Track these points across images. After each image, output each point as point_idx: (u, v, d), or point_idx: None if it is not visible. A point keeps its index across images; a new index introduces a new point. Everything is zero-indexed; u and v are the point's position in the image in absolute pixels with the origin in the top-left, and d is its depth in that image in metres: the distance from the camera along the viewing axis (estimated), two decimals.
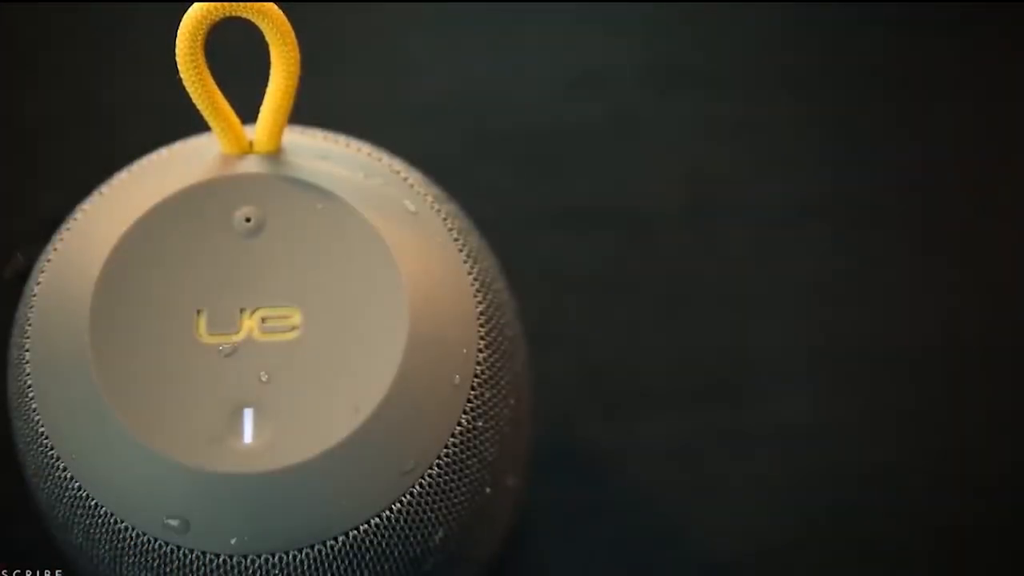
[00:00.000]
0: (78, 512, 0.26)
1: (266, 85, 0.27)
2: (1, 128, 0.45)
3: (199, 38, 0.26)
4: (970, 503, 0.40)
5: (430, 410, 0.26)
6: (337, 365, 0.26)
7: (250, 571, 0.26)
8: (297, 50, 0.27)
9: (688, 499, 0.40)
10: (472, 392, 0.27)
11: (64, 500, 0.27)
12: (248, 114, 0.28)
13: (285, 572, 0.26)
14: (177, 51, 0.26)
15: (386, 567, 0.27)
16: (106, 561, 0.27)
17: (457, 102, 0.45)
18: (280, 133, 0.28)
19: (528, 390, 0.31)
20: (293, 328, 0.26)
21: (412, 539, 0.27)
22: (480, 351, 0.27)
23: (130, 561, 0.26)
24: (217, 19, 0.26)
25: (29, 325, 0.27)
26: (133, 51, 0.45)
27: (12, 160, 0.44)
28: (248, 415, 0.26)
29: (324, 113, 0.32)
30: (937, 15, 0.46)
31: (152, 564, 0.26)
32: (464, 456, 0.27)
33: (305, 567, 0.26)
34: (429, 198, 0.29)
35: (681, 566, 0.39)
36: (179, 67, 0.27)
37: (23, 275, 0.29)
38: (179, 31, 0.26)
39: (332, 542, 0.26)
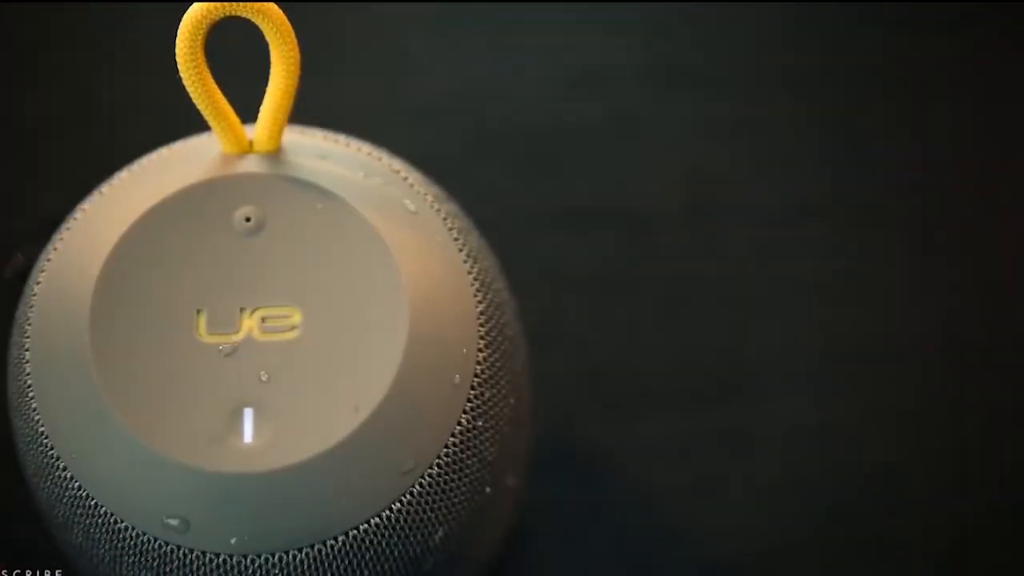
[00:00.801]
0: (78, 512, 0.26)
1: (266, 85, 0.27)
2: (1, 128, 0.45)
3: (199, 38, 0.26)
4: (970, 503, 0.40)
5: (430, 410, 0.26)
6: (337, 365, 0.26)
7: (250, 571, 0.26)
8: (297, 50, 0.27)
9: (688, 499, 0.40)
10: (472, 392, 0.27)
11: (64, 500, 0.27)
12: (248, 114, 0.28)
13: (285, 572, 0.26)
14: (177, 51, 0.26)
15: (386, 567, 0.27)
16: (106, 561, 0.27)
17: (457, 102, 0.45)
18: (280, 133, 0.28)
19: (528, 390, 0.31)
20: (293, 328, 0.26)
21: (412, 539, 0.27)
22: (480, 351, 0.27)
23: (130, 561, 0.26)
24: (217, 19, 0.26)
25: (29, 325, 0.27)
26: (133, 51, 0.45)
27: (12, 160, 0.44)
28: (248, 415, 0.26)
29: (324, 113, 0.32)
30: (937, 15, 0.46)
31: (152, 564, 0.26)
32: (464, 456, 0.27)
33: (305, 567, 0.26)
34: (429, 198, 0.29)
35: (681, 566, 0.39)
36: (179, 67, 0.27)
37: (23, 275, 0.29)
38: (179, 31, 0.26)
39: (332, 542, 0.26)
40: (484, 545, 0.31)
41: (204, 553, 0.26)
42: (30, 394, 0.27)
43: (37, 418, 0.27)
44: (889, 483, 0.41)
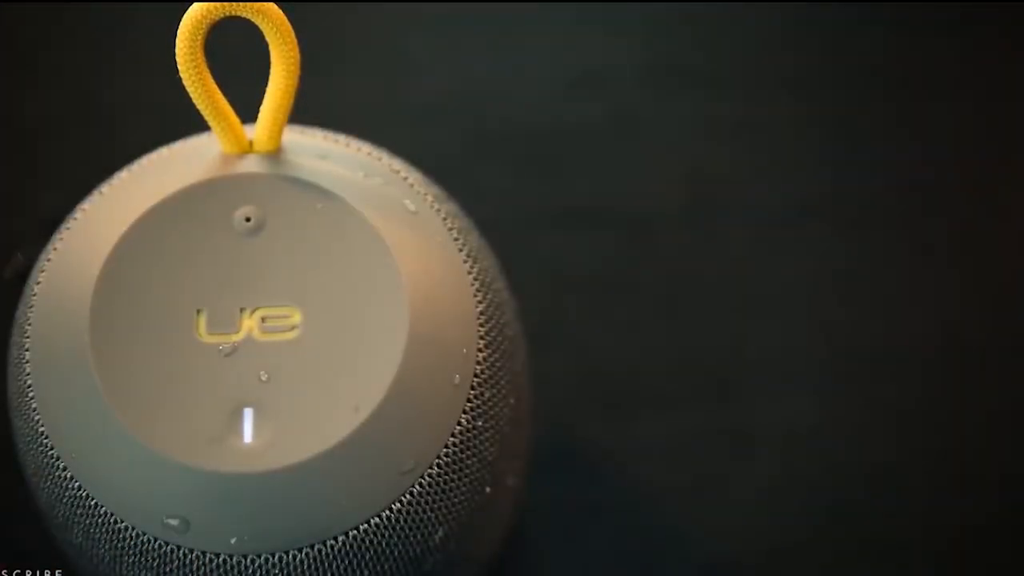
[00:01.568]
0: (78, 512, 0.26)
1: (266, 85, 0.27)
2: (1, 128, 0.45)
3: (199, 38, 0.26)
4: (970, 503, 0.40)
5: (430, 410, 0.26)
6: (337, 365, 0.26)
7: (250, 571, 0.26)
8: (297, 50, 0.27)
9: (688, 499, 0.40)
10: (472, 392, 0.27)
11: (64, 500, 0.27)
12: (248, 114, 0.28)
13: (285, 572, 0.26)
14: (177, 51, 0.26)
15: (386, 567, 0.27)
16: (106, 561, 0.27)
17: (457, 102, 0.45)
18: (280, 133, 0.28)
19: (528, 390, 0.31)
20: (293, 328, 0.26)
21: (412, 539, 0.27)
22: (480, 351, 0.27)
23: (130, 561, 0.26)
24: (217, 19, 0.26)
25: (29, 325, 0.27)
26: (133, 51, 0.45)
27: (12, 160, 0.44)
28: (248, 415, 0.26)
29: (324, 113, 0.32)
30: (937, 15, 0.46)
31: (152, 564, 0.26)
32: (464, 456, 0.27)
33: (305, 567, 0.26)
34: (429, 198, 0.29)
35: (681, 566, 0.39)
36: (179, 67, 0.27)
37: (23, 275, 0.29)
38: (179, 31, 0.26)
39: (332, 542, 0.26)
40: (484, 545, 0.31)
41: (204, 553, 0.26)
42: (30, 394, 0.27)
43: (37, 418, 0.27)
44: (889, 483, 0.41)
